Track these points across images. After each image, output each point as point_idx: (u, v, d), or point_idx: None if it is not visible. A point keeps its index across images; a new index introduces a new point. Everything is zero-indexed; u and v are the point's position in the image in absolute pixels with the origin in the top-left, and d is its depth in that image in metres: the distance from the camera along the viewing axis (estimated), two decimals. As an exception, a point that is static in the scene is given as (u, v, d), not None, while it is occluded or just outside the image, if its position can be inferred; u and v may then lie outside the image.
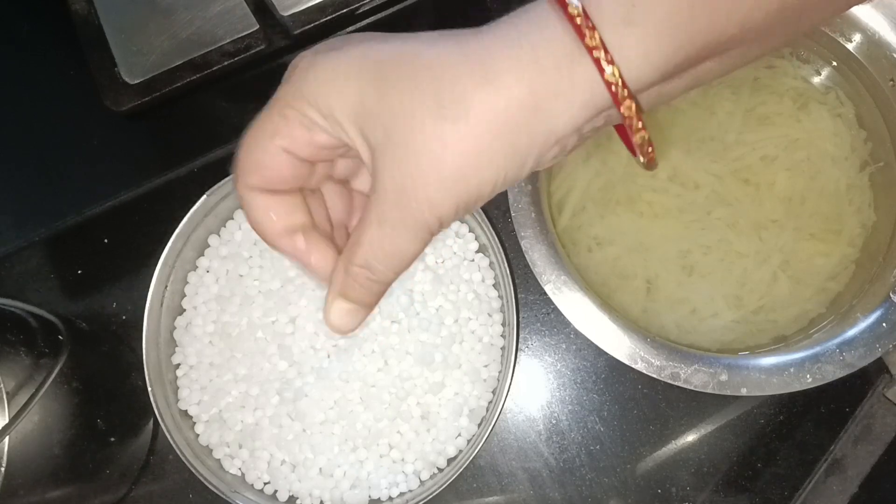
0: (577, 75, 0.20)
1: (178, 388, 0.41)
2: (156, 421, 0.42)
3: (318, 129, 0.23)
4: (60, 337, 0.38)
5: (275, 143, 0.24)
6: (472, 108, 0.20)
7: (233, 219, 0.44)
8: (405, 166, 0.22)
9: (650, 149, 0.22)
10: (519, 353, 0.45)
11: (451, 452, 0.41)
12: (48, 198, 0.49)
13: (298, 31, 0.47)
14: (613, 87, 0.20)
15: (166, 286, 0.41)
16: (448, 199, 0.22)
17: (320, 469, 0.40)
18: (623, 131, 0.24)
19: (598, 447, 0.44)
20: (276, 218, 0.25)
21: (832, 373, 0.36)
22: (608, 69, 0.19)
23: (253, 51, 0.46)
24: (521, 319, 0.45)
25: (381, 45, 0.22)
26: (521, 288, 0.45)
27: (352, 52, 0.23)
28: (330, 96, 0.22)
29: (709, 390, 0.36)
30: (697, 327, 0.41)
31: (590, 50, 0.19)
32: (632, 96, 0.20)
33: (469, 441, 0.40)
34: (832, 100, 0.44)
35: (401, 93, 0.21)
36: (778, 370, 0.36)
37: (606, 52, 0.19)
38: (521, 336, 0.45)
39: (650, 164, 0.23)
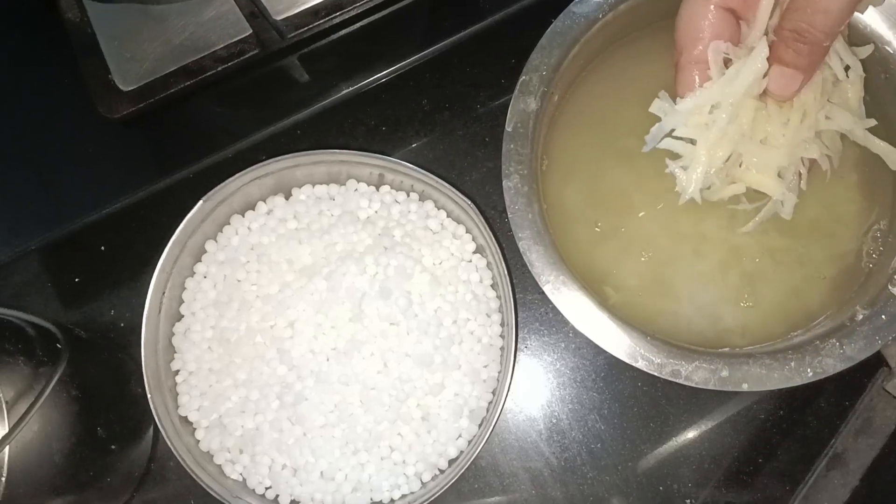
0: None
1: (177, 394, 0.41)
2: (156, 427, 0.42)
3: None
4: (59, 345, 0.38)
5: (708, 4, 0.30)
6: None
7: (229, 224, 0.44)
8: None
9: None
10: (518, 353, 0.45)
11: (453, 453, 0.40)
12: (44, 206, 0.49)
13: (291, 35, 0.47)
14: None
15: (164, 292, 0.41)
16: None
17: (321, 473, 0.40)
18: None
19: (598, 445, 0.44)
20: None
21: (833, 366, 0.36)
22: None
23: (246, 56, 0.46)
24: (519, 319, 0.45)
25: None
26: (519, 288, 0.45)
27: None
28: None
29: (710, 387, 0.36)
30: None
31: None
32: None
33: (470, 442, 0.40)
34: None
35: None
36: (779, 365, 0.36)
37: None
38: (519, 336, 0.45)
39: None
